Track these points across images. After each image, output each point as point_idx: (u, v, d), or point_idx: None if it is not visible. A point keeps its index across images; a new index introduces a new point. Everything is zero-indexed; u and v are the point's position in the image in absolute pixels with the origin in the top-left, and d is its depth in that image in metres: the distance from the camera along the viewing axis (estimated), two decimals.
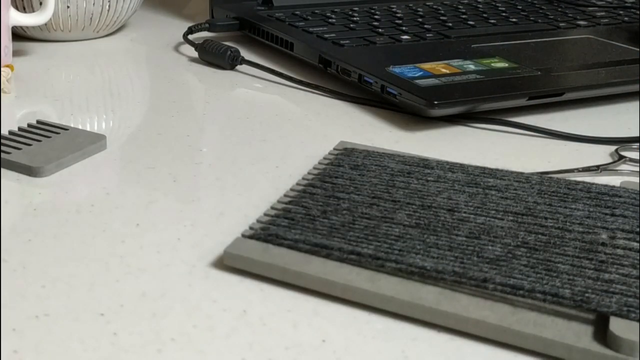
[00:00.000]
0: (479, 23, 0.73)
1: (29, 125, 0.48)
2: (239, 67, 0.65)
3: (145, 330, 0.30)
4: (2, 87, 0.56)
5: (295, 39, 0.65)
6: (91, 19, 0.69)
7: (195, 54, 0.66)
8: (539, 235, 0.35)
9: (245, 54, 0.66)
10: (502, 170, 0.42)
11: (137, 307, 0.32)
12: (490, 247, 0.34)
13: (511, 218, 0.37)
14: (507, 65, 0.60)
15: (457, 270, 0.32)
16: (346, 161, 0.42)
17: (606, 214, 0.37)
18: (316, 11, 0.74)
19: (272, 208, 0.38)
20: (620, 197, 0.39)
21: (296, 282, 0.33)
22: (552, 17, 0.77)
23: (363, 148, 0.45)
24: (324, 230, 0.35)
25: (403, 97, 0.53)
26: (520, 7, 0.81)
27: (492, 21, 0.74)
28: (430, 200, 0.38)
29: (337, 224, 0.36)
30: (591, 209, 0.37)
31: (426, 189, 0.39)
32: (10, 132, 0.47)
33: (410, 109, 0.53)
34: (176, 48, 0.70)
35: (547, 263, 0.33)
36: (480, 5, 0.81)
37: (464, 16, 0.75)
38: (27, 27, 0.67)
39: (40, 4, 0.63)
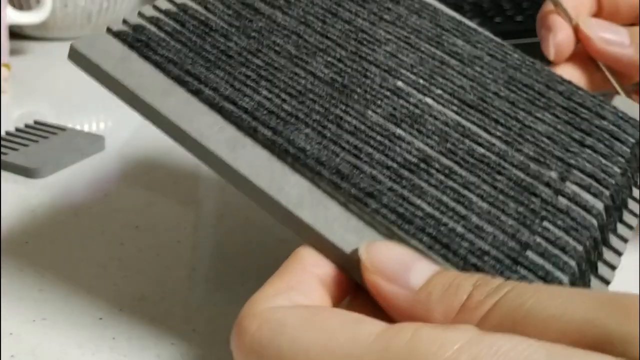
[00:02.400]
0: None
1: (26, 126, 0.48)
2: None
3: (145, 335, 0.30)
4: None
5: None
6: (89, 17, 0.68)
7: None
8: (473, 147, 0.26)
9: None
10: (479, 34, 0.33)
11: (136, 311, 0.31)
12: (402, 145, 0.26)
13: (455, 108, 0.28)
14: None
15: (341, 170, 0.24)
16: None
17: (574, 139, 0.28)
18: None
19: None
20: (604, 119, 0.30)
21: (145, 115, 0.27)
22: None
23: None
24: (203, 62, 0.27)
25: None
26: (525, 7, 0.81)
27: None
28: (369, 50, 0.29)
29: (226, 53, 0.28)
30: (559, 127, 0.29)
31: (372, 32, 0.30)
32: (7, 133, 0.47)
33: None
34: None
35: (459, 193, 0.24)
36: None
37: None
38: (24, 26, 0.67)
39: (38, 2, 0.63)
